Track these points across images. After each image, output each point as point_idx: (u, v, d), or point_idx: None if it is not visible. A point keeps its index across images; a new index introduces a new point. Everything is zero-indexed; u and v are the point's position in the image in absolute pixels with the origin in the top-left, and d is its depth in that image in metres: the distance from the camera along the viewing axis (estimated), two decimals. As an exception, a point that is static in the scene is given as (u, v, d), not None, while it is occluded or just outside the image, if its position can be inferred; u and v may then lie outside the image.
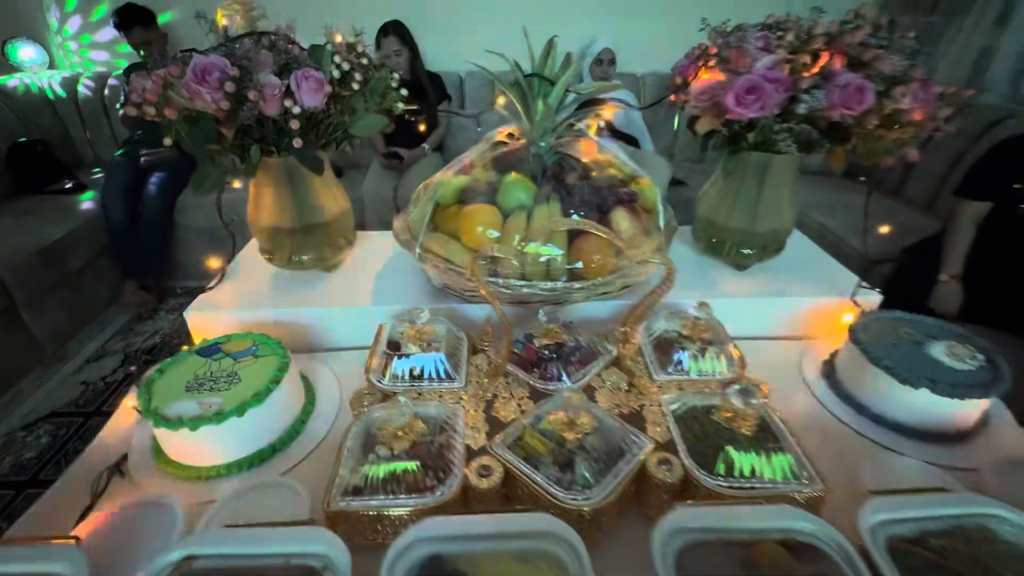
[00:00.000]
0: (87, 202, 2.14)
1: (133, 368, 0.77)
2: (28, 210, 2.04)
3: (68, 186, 2.25)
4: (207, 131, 0.63)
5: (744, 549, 0.40)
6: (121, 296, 2.10)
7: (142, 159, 2.19)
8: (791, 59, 0.63)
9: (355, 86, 0.68)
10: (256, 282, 0.84)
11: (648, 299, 0.66)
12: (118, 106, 2.32)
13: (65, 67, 2.58)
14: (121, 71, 2.38)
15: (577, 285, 0.67)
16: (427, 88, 2.31)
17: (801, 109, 0.60)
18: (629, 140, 2.33)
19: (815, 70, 0.62)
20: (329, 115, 0.68)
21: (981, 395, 0.58)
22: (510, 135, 0.75)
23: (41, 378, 1.76)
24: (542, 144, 0.72)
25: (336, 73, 0.66)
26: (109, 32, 2.47)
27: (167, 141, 0.67)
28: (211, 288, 0.81)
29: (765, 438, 0.49)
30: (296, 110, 0.62)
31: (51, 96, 2.45)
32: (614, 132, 2.29)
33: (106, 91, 2.47)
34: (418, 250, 0.71)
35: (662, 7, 2.40)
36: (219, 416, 0.53)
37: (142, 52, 2.19)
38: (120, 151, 2.25)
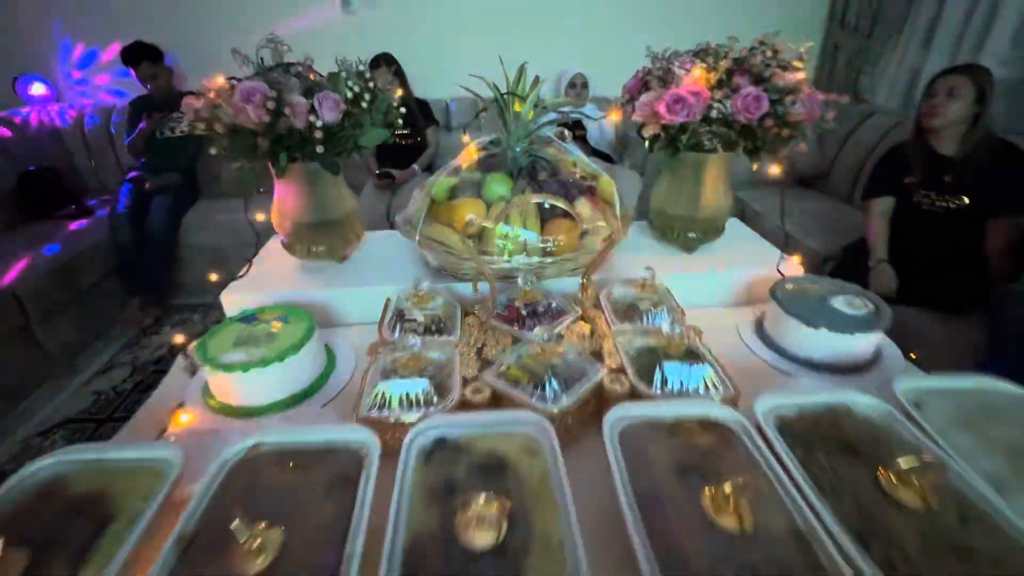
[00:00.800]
0: (95, 225, 2.26)
1: (182, 338, 0.90)
2: (40, 234, 2.16)
3: (75, 211, 2.38)
4: (247, 142, 0.79)
5: (669, 428, 0.55)
6: (125, 313, 2.20)
7: (147, 184, 2.34)
8: (708, 77, 0.81)
9: (364, 105, 0.84)
10: (279, 271, 0.97)
11: (600, 254, 0.81)
12: (126, 138, 2.46)
13: (71, 100, 2.73)
14: (126, 104, 2.53)
15: (549, 260, 0.83)
16: (416, 114, 2.50)
17: (714, 114, 0.77)
18: (605, 157, 2.54)
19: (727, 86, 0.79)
20: (343, 128, 0.83)
21: (866, 330, 0.73)
22: (491, 142, 0.91)
23: (54, 390, 1.85)
24: (517, 148, 0.88)
25: (349, 95, 0.82)
26: (113, 69, 2.64)
27: (212, 150, 0.82)
28: (241, 276, 0.95)
29: (692, 358, 0.64)
30: (319, 123, 0.78)
31: (59, 128, 2.60)
32: (591, 150, 2.49)
33: (112, 124, 2.62)
34: (418, 237, 0.86)
35: (627, 37, 2.63)
36: (264, 361, 0.66)
37: (148, 85, 2.36)
38: (128, 177, 2.38)
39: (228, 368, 0.66)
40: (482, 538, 0.42)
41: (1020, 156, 1.46)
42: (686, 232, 0.98)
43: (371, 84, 0.86)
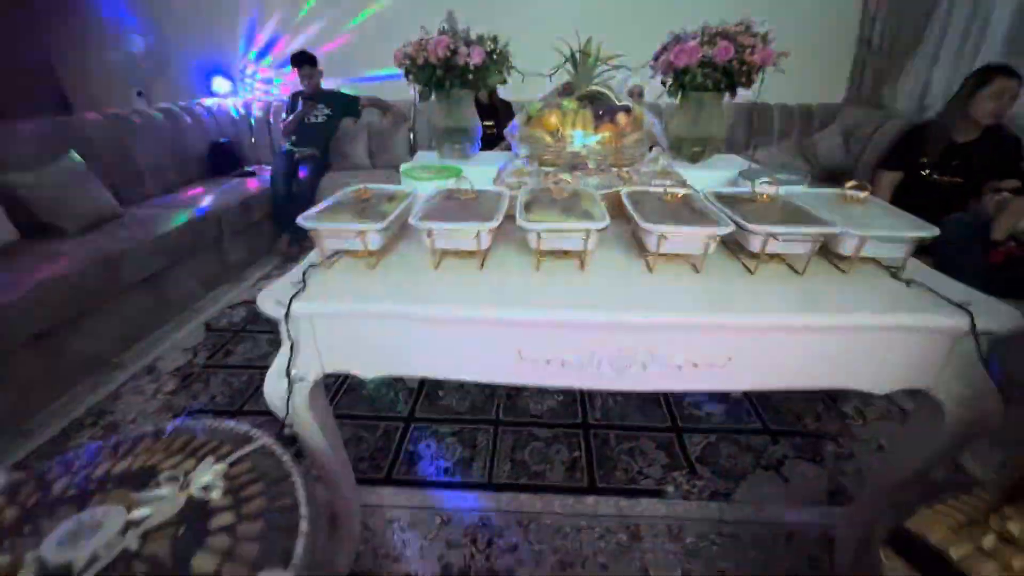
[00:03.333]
0: (258, 183, 3.03)
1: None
2: (223, 185, 2.95)
3: (242, 173, 3.19)
4: (429, 72, 1.39)
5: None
6: (276, 246, 2.92)
7: (296, 156, 3.10)
8: (705, 42, 1.33)
9: (494, 57, 1.43)
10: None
11: (631, 147, 1.33)
12: (282, 120, 3.26)
13: (243, 94, 3.61)
14: (288, 95, 3.35)
15: (597, 148, 1.36)
16: (500, 111, 3.13)
17: (703, 59, 1.29)
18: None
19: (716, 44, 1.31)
20: (482, 69, 1.42)
21: (791, 185, 1.21)
22: (567, 83, 1.47)
23: (230, 289, 2.55)
24: (583, 84, 1.43)
25: (487, 48, 1.41)
26: (273, 71, 3.50)
27: (416, 86, 1.43)
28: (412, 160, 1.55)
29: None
30: (472, 64, 1.37)
31: (235, 114, 3.46)
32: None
33: (271, 112, 3.46)
34: (518, 134, 1.42)
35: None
36: (450, 173, 1.24)
37: (304, 83, 3.16)
38: (283, 150, 3.17)
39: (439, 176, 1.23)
40: (560, 202, 0.95)
41: (1007, 139, 1.83)
42: (692, 147, 1.48)
43: (494, 44, 1.45)
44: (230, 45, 3.51)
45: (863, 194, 0.96)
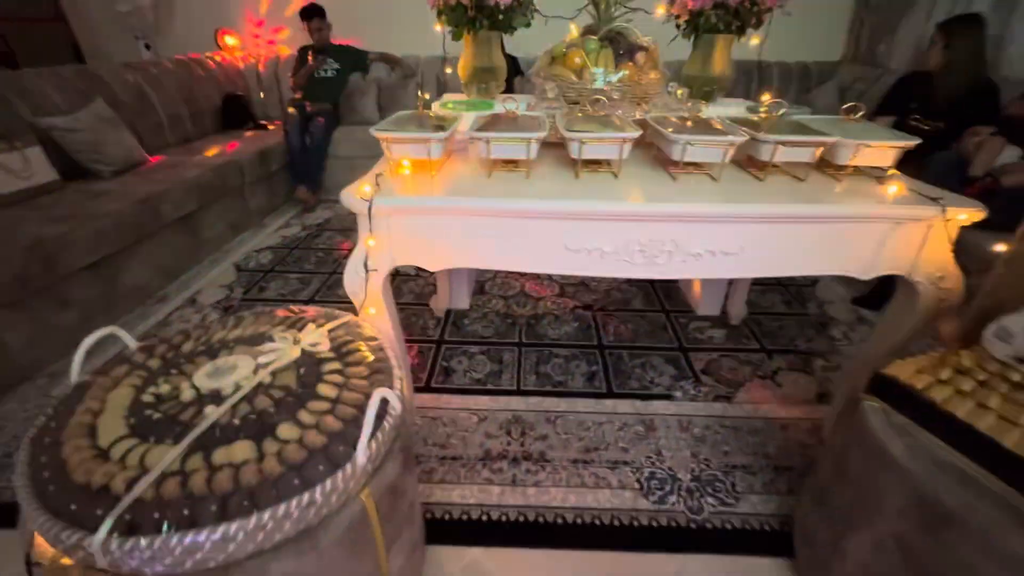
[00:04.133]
0: (273, 134, 3.10)
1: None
2: (238, 136, 3.02)
3: (253, 126, 3.25)
4: (462, 10, 1.49)
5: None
6: (295, 193, 3.01)
7: (308, 108, 3.16)
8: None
9: (520, 1, 1.52)
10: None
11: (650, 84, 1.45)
12: (292, 73, 3.30)
13: (250, 49, 3.63)
14: (296, 50, 3.37)
15: (618, 84, 1.48)
16: (508, 67, 3.19)
17: (717, 1, 1.40)
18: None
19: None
20: (509, 10, 1.52)
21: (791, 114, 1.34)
22: (588, 26, 1.57)
23: (252, 236, 2.66)
24: (604, 27, 1.54)
25: (514, -7, 1.50)
26: (280, 28, 3.52)
27: (438, 27, 1.53)
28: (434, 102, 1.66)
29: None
30: (501, 4, 1.47)
31: (242, 69, 3.49)
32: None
33: (278, 67, 3.49)
34: (542, 73, 1.53)
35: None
36: (484, 106, 1.35)
37: (314, 36, 3.19)
38: (294, 102, 3.22)
39: (468, 108, 1.35)
40: (595, 121, 1.08)
41: (988, 88, 1.97)
42: (704, 87, 1.60)
43: (523, -8, 1.54)
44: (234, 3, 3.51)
45: (857, 115, 1.10)
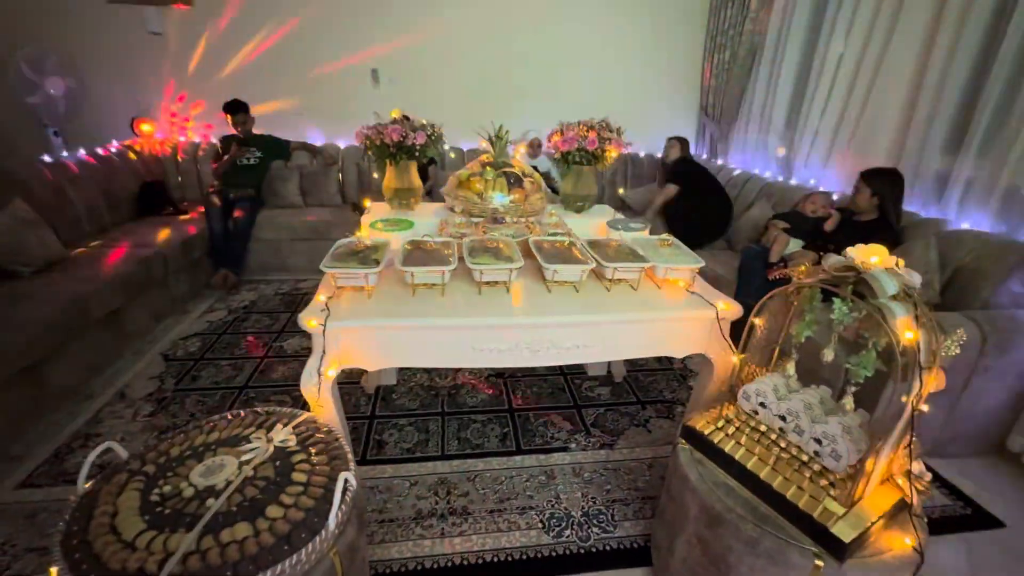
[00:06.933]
0: (194, 220, 3.22)
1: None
2: (157, 223, 3.10)
3: (172, 211, 3.34)
4: (385, 148, 1.86)
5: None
6: (216, 277, 3.12)
7: (231, 195, 3.33)
8: (583, 134, 1.95)
9: (432, 138, 1.94)
10: (382, 215, 2.02)
11: (534, 203, 1.90)
12: (213, 162, 3.47)
13: (169, 135, 3.74)
14: (218, 139, 3.56)
15: (511, 206, 1.91)
16: (426, 165, 3.63)
17: (579, 146, 1.90)
18: (554, 189, 3.72)
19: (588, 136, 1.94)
20: (422, 147, 1.92)
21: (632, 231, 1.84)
22: (486, 158, 2.01)
23: (176, 322, 2.74)
24: (498, 161, 1.99)
25: (427, 132, 1.91)
26: (199, 113, 3.70)
27: (367, 155, 1.89)
28: (367, 213, 1.99)
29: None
30: (417, 143, 1.86)
31: (159, 155, 3.59)
32: (546, 180, 3.68)
33: (197, 153, 3.64)
34: (450, 194, 1.93)
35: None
36: (405, 226, 1.70)
37: (238, 128, 3.42)
38: (216, 189, 3.37)
39: (395, 228, 1.69)
40: (491, 249, 1.47)
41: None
42: (575, 202, 2.09)
43: (432, 129, 1.96)
44: (153, 88, 3.65)
45: (670, 240, 1.60)
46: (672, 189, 3.24)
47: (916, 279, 0.98)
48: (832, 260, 1.06)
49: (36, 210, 2.38)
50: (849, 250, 1.03)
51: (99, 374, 2.19)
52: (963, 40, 2.20)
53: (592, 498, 1.65)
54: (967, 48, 2.20)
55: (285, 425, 1.16)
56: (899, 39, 2.49)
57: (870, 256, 0.99)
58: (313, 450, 1.10)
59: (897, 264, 1.02)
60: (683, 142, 3.51)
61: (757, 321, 1.24)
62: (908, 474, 1.04)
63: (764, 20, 3.42)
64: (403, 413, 2.04)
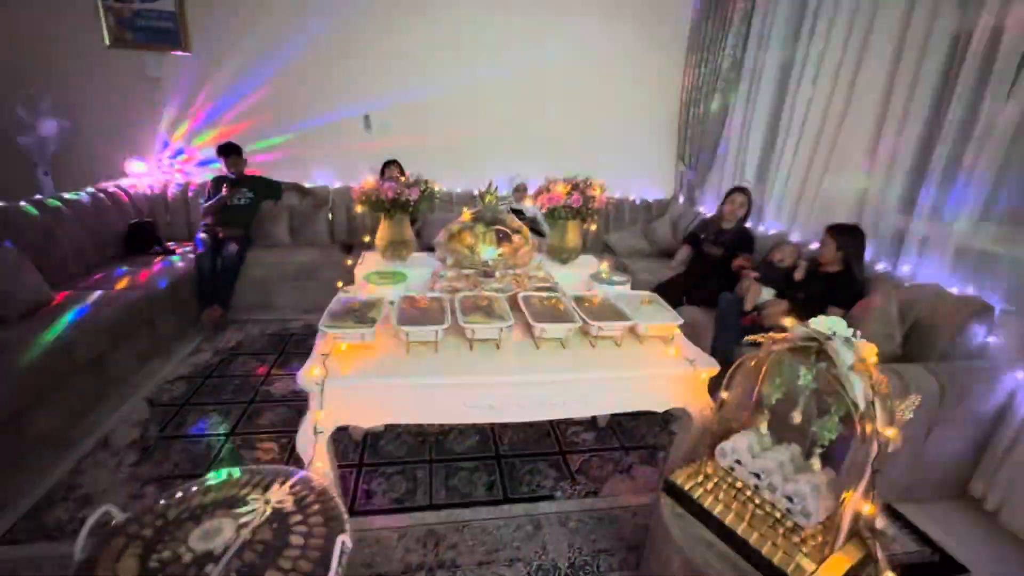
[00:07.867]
0: (183, 260, 3.24)
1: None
2: (145, 263, 3.11)
3: (160, 251, 3.35)
4: (381, 203, 1.95)
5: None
6: (204, 317, 3.12)
7: (220, 234, 3.37)
8: (568, 190, 2.07)
9: (424, 193, 2.03)
10: (375, 265, 2.08)
11: (522, 256, 1.99)
12: (204, 201, 3.52)
13: (159, 176, 3.78)
14: (211, 179, 3.61)
15: (500, 259, 2.00)
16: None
17: (564, 203, 2.01)
18: (540, 232, 3.85)
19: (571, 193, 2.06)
20: (416, 202, 2.01)
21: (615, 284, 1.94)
22: (476, 212, 2.11)
23: (161, 365, 2.72)
24: (488, 214, 2.09)
25: (421, 188, 2.01)
26: (191, 154, 3.77)
27: (358, 208, 1.97)
28: (360, 264, 2.05)
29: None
30: (411, 199, 1.95)
31: (150, 195, 3.62)
32: (532, 228, 3.80)
33: (187, 192, 3.68)
34: (441, 247, 2.01)
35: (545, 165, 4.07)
36: (399, 278, 1.77)
37: (231, 170, 3.49)
38: (206, 228, 3.40)
39: (387, 281, 1.76)
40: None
41: (744, 230, 2.90)
42: (561, 255, 2.20)
43: (425, 185, 2.06)
44: (148, 130, 3.71)
45: (649, 298, 1.70)
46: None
47: (871, 350, 1.08)
48: (798, 330, 1.16)
49: (24, 251, 2.38)
50: (811, 321, 1.13)
51: (81, 419, 2.17)
52: (913, 105, 2.42)
53: (578, 548, 1.69)
54: (917, 112, 2.42)
55: (281, 485, 1.19)
56: (855, 108, 2.73)
57: (829, 328, 1.10)
58: (309, 511, 1.13)
59: (855, 334, 1.12)
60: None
61: (724, 395, 1.33)
62: (872, 531, 1.12)
63: (734, 80, 3.68)
64: (391, 461, 2.06)
